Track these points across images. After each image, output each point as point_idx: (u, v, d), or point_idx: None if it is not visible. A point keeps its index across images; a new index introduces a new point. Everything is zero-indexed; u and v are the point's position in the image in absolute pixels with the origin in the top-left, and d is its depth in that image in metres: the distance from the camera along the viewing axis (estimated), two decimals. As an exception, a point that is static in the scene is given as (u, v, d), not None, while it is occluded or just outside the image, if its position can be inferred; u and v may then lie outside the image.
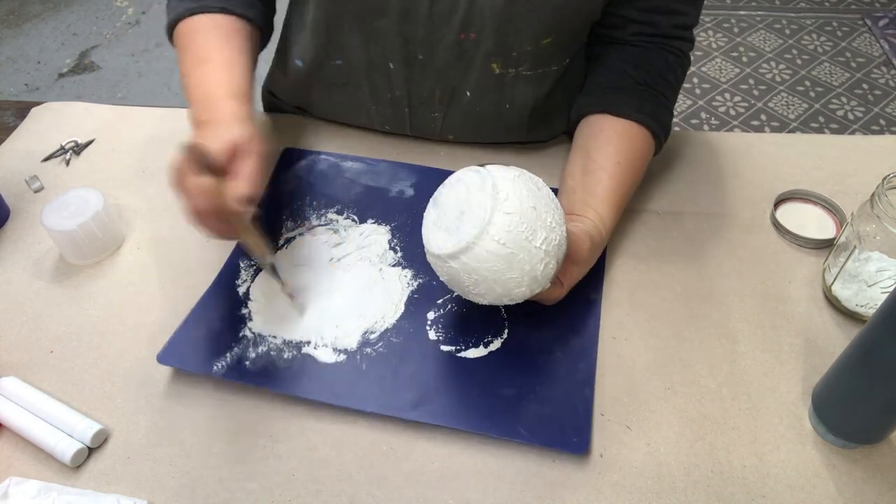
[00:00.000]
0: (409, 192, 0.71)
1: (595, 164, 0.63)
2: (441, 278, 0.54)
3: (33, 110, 0.85)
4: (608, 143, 0.65)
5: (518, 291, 0.52)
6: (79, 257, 0.66)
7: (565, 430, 0.52)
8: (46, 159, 0.78)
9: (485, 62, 0.67)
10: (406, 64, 0.68)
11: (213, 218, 0.53)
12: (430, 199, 0.54)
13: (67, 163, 0.78)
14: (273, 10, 0.74)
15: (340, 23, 0.68)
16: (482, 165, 0.53)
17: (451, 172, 0.54)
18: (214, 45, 0.64)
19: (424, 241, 0.54)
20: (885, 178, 0.54)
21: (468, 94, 0.70)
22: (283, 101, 0.83)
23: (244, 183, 0.54)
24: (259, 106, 0.92)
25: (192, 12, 0.65)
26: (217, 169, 0.54)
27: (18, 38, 2.46)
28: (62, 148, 0.79)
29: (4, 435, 0.54)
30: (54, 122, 0.83)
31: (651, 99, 0.66)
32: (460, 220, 0.51)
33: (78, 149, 0.79)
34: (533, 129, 0.74)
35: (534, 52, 0.66)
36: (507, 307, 0.60)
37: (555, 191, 0.59)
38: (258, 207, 0.56)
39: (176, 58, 0.66)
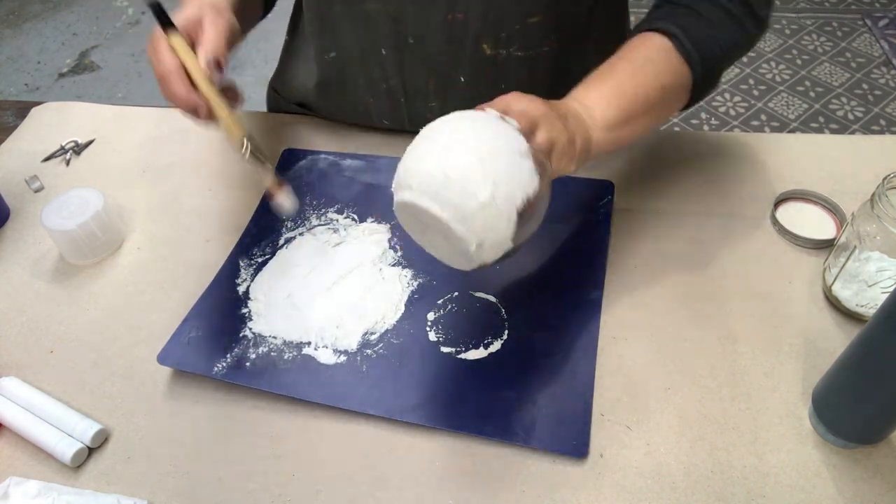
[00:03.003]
0: None
1: (603, 66, 0.57)
2: None
3: (33, 110, 0.85)
4: (627, 48, 0.58)
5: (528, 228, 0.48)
6: (79, 257, 0.66)
7: (564, 434, 0.52)
8: (46, 159, 0.78)
9: (475, 43, 0.67)
10: (397, 49, 0.69)
11: (179, 81, 0.56)
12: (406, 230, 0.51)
13: (67, 163, 0.78)
14: None
15: (331, 7, 0.68)
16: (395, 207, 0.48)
17: None
18: None
19: (447, 263, 0.51)
20: (885, 178, 0.54)
21: (462, 79, 0.70)
22: (285, 99, 0.84)
23: (206, 44, 0.57)
24: (263, 105, 0.92)
25: None
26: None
27: (18, 38, 2.46)
28: (62, 148, 0.79)
29: (4, 435, 0.54)
30: (54, 122, 0.83)
31: (699, 25, 0.58)
32: (447, 242, 0.47)
33: (78, 149, 0.79)
34: None
35: (522, 30, 0.66)
36: (507, 308, 0.60)
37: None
38: (229, 82, 0.59)
39: None
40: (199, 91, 0.57)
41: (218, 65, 0.57)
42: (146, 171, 0.76)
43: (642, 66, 0.56)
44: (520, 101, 0.49)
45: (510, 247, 0.46)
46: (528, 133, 0.48)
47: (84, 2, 2.62)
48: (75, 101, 0.87)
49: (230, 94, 0.60)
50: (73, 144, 0.80)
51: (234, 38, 0.61)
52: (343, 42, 0.70)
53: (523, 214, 0.45)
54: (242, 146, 0.58)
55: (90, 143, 0.80)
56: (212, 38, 0.58)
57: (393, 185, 0.48)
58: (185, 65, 0.57)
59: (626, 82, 0.55)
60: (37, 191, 0.75)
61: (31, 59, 2.37)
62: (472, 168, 0.44)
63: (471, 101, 0.71)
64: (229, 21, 0.60)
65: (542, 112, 0.49)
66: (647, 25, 0.59)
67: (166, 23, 0.57)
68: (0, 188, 0.73)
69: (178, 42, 0.57)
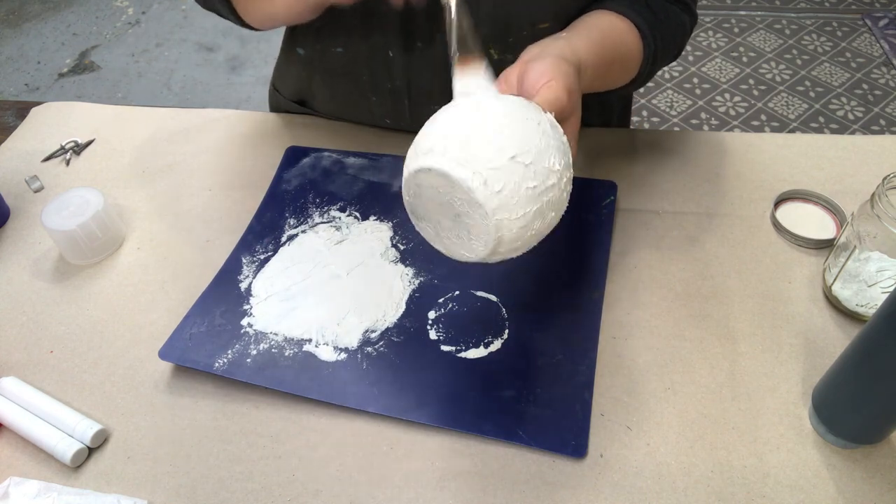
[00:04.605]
0: None
1: (573, 28, 0.60)
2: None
3: (33, 110, 0.85)
4: (594, 18, 0.61)
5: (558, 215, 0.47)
6: (79, 257, 0.66)
7: (564, 434, 0.52)
8: (46, 159, 0.78)
9: (483, 48, 0.67)
10: (405, 51, 0.69)
11: None
12: (410, 215, 0.48)
13: (67, 163, 0.78)
14: None
15: (342, 6, 0.68)
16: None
17: None
18: None
19: (446, 253, 0.48)
20: (885, 178, 0.54)
21: None
22: (285, 97, 0.84)
23: None
24: (264, 105, 0.92)
25: None
26: None
27: (18, 38, 2.46)
28: (62, 148, 0.79)
29: (4, 435, 0.54)
30: (54, 122, 0.83)
31: (650, 16, 0.63)
32: (459, 224, 0.44)
33: (78, 149, 0.79)
34: None
35: (530, 36, 0.66)
36: (507, 307, 0.60)
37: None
38: None
39: None
40: None
41: None
42: (146, 171, 0.76)
43: (611, 31, 0.60)
44: (546, 91, 0.48)
45: (531, 233, 0.44)
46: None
47: (84, 2, 2.62)
48: (75, 101, 0.87)
49: None
50: (73, 144, 0.80)
51: None
52: (351, 40, 0.71)
53: (547, 192, 0.43)
54: None
55: (90, 143, 0.80)
56: None
57: (406, 161, 0.45)
58: None
59: (602, 40, 0.59)
60: (37, 191, 0.75)
61: (31, 59, 2.37)
62: (499, 128, 0.42)
63: None
64: None
65: (571, 105, 0.49)
66: (612, 8, 0.62)
67: None
68: (0, 188, 0.74)
69: None
